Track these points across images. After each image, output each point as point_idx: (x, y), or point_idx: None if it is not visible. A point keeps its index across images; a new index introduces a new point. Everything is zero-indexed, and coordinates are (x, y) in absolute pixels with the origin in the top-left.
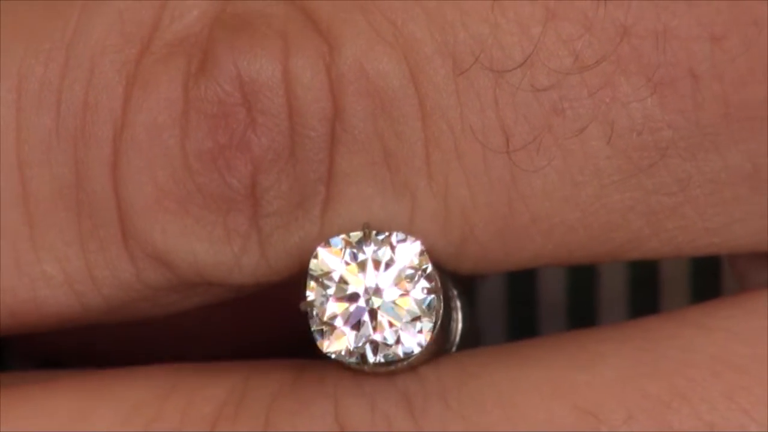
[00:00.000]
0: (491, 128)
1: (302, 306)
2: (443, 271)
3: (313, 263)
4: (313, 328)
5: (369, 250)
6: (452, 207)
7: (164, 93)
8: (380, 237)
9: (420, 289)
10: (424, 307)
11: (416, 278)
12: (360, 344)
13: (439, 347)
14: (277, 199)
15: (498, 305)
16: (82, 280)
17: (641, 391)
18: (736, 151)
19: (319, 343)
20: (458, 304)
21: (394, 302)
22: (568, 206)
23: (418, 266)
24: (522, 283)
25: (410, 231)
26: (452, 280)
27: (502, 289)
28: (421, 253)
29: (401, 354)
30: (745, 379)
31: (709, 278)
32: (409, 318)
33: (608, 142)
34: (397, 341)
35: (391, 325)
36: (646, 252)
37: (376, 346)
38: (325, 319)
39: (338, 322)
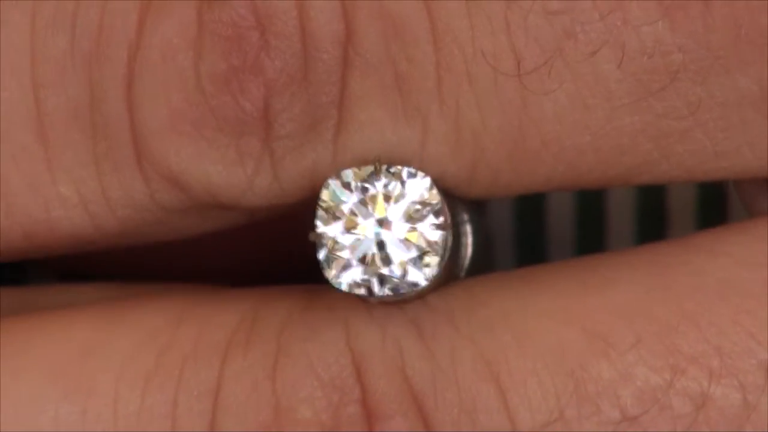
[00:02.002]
0: (502, 52)
1: (311, 236)
2: (454, 197)
3: (324, 194)
4: (321, 258)
5: (379, 185)
6: (463, 130)
7: (178, 15)
8: (391, 170)
9: (428, 225)
10: (432, 241)
11: (425, 213)
12: (367, 276)
13: (447, 276)
14: (290, 121)
15: (506, 240)
16: (96, 201)
17: (650, 314)
18: (745, 74)
19: (326, 273)
20: (468, 229)
21: (402, 237)
22: (578, 129)
23: (427, 200)
24: (530, 218)
25: (422, 155)
26: (463, 205)
27: (510, 225)
28: (431, 188)
29: (407, 287)
30: (751, 302)
31: (715, 210)
32: (416, 253)
33: (619, 65)
34: (404, 275)
35: (398, 258)
36: (656, 176)
37: (382, 279)
38: (333, 250)
39: (346, 254)
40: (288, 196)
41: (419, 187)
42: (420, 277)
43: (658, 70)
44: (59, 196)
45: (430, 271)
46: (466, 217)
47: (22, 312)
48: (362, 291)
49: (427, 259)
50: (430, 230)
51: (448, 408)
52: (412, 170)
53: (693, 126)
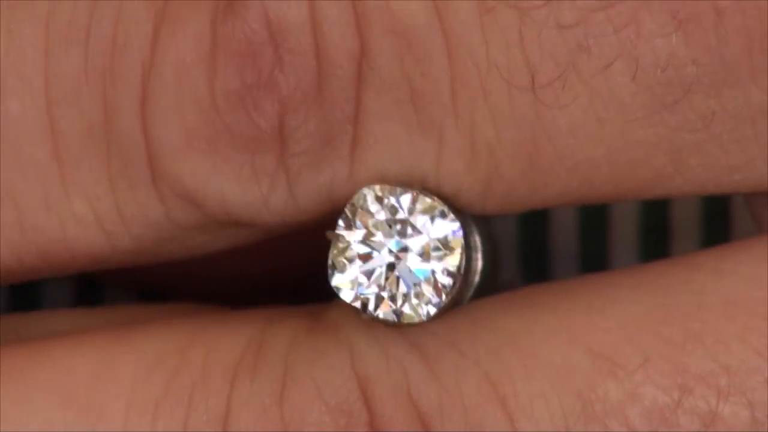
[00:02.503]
0: (517, 66)
1: (328, 234)
2: (468, 219)
3: (356, 198)
4: (331, 259)
5: (410, 210)
6: (478, 144)
7: (192, 32)
8: (427, 199)
9: (442, 269)
10: (440, 284)
11: (442, 255)
12: (365, 293)
13: (451, 304)
14: (305, 138)
15: (510, 254)
16: (111, 219)
17: (656, 334)
18: (759, 86)
19: (330, 276)
20: (479, 256)
21: (414, 267)
22: (592, 143)
23: (449, 244)
24: (534, 231)
25: (437, 169)
26: (476, 228)
27: (514, 238)
28: (455, 233)
29: (398, 319)
30: (758, 321)
31: (719, 224)
32: (420, 290)
33: (633, 78)
34: (402, 305)
35: (402, 288)
36: (669, 189)
37: (380, 301)
38: (344, 254)
39: (355, 264)
40: (304, 213)
41: (445, 228)
42: (414, 312)
43: (672, 83)
44: (74, 214)
45: (427, 311)
46: (478, 242)
47: (29, 338)
48: (357, 304)
49: (427, 297)
50: (442, 274)
51: (455, 430)
52: (446, 210)
53: (707, 139)
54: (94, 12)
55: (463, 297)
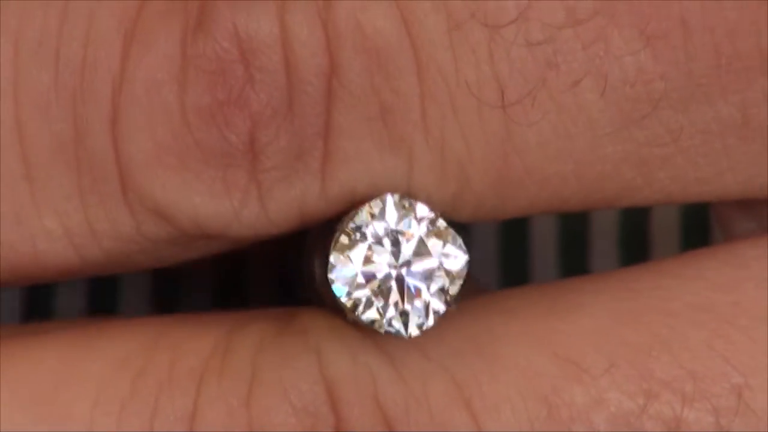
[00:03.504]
0: (486, 83)
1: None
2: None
3: (374, 202)
4: (332, 252)
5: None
6: (449, 160)
7: (162, 50)
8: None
9: (437, 293)
10: (434, 309)
11: (442, 284)
12: (358, 295)
13: None
14: (276, 153)
15: (490, 267)
16: (81, 233)
17: (622, 339)
18: (727, 101)
19: (329, 267)
20: None
21: (412, 285)
22: (561, 158)
23: (451, 273)
24: (513, 244)
25: (408, 184)
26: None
27: (494, 253)
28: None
29: (380, 328)
30: (725, 327)
31: (699, 234)
32: (413, 307)
33: (602, 94)
34: (392, 317)
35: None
36: (637, 200)
37: (369, 306)
38: (348, 251)
39: (357, 264)
40: (275, 227)
41: (458, 262)
42: (400, 330)
43: (641, 99)
44: (44, 229)
45: (411, 331)
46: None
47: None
48: (348, 303)
49: (421, 318)
50: (438, 300)
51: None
52: (460, 240)
53: (675, 153)
54: (63, 31)
55: None
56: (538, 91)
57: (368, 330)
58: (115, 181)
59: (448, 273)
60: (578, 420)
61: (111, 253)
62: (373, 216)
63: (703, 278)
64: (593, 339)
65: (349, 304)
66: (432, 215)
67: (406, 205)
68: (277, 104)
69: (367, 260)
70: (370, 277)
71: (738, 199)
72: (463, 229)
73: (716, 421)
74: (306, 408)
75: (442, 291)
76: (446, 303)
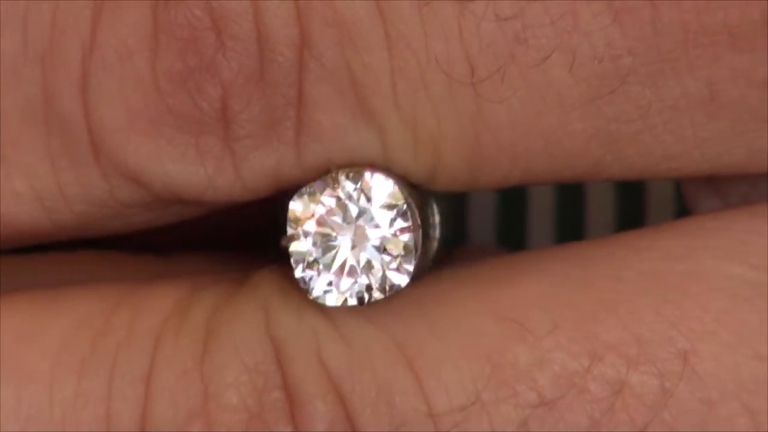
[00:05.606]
0: (456, 58)
1: (283, 241)
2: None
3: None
4: (298, 276)
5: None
6: (421, 136)
7: (133, 15)
8: (351, 174)
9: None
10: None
11: (394, 217)
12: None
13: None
14: (248, 122)
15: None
16: (52, 196)
17: (568, 302)
18: (694, 77)
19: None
20: (437, 221)
21: (376, 243)
22: (532, 135)
23: (394, 203)
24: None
25: (384, 157)
26: (430, 196)
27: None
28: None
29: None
30: (674, 294)
31: None
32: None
33: (570, 70)
34: (385, 278)
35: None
36: (608, 177)
37: (369, 286)
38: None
39: (325, 270)
40: (251, 193)
41: (385, 190)
42: (402, 279)
43: (609, 75)
44: (13, 191)
45: (410, 269)
46: (437, 221)
47: None
48: (354, 301)
49: (402, 260)
50: (400, 234)
51: (365, 391)
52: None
53: (643, 129)
54: (32, 0)
55: (425, 264)
56: (507, 66)
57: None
58: (85, 145)
59: (390, 207)
60: (522, 379)
61: (83, 217)
62: (299, 220)
63: (657, 248)
64: (539, 302)
65: (350, 302)
66: (331, 175)
67: (316, 191)
68: (249, 72)
69: (321, 224)
70: (323, 242)
71: (706, 176)
72: (460, 196)
73: (661, 384)
74: (256, 366)
75: (396, 224)
76: (408, 231)
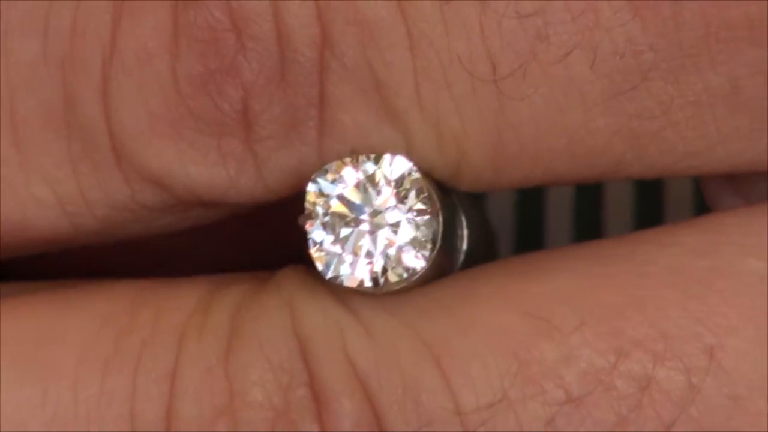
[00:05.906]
0: (478, 56)
1: (300, 221)
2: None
3: (309, 194)
4: (307, 205)
5: (362, 174)
6: (445, 135)
7: (153, 18)
8: (371, 158)
9: (416, 210)
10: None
11: (412, 197)
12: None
13: (437, 271)
14: (270, 122)
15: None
16: (74, 201)
17: (594, 299)
18: (716, 72)
19: (325, 276)
20: (462, 219)
21: (394, 222)
22: (554, 133)
23: (412, 186)
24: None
25: (409, 155)
26: (456, 195)
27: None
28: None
29: (407, 273)
30: (700, 289)
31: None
32: (408, 239)
33: (591, 66)
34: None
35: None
36: (628, 175)
37: (385, 269)
38: (326, 250)
39: (339, 250)
40: (274, 194)
41: (405, 172)
42: (418, 263)
43: (630, 70)
44: (34, 197)
45: (427, 254)
46: (464, 221)
47: None
48: (370, 284)
49: (420, 245)
50: (418, 217)
51: (392, 388)
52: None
53: (665, 125)
54: (52, 4)
55: (454, 262)
56: (529, 64)
57: (336, 288)
58: (107, 149)
59: (408, 188)
60: (549, 376)
61: (105, 221)
62: (317, 205)
63: (680, 244)
64: (565, 298)
65: (366, 285)
66: (351, 159)
67: (333, 173)
68: (270, 73)
69: (344, 241)
70: (356, 248)
71: (727, 173)
72: (480, 197)
73: (687, 380)
74: (282, 364)
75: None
76: (427, 213)
